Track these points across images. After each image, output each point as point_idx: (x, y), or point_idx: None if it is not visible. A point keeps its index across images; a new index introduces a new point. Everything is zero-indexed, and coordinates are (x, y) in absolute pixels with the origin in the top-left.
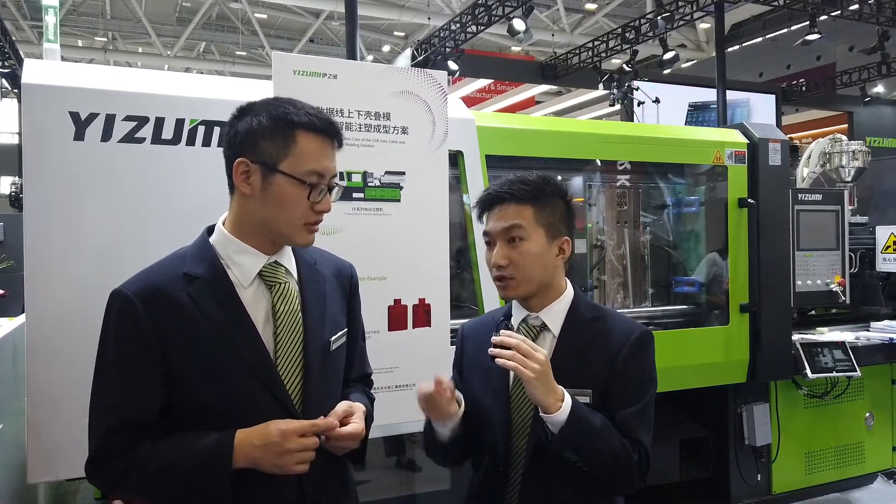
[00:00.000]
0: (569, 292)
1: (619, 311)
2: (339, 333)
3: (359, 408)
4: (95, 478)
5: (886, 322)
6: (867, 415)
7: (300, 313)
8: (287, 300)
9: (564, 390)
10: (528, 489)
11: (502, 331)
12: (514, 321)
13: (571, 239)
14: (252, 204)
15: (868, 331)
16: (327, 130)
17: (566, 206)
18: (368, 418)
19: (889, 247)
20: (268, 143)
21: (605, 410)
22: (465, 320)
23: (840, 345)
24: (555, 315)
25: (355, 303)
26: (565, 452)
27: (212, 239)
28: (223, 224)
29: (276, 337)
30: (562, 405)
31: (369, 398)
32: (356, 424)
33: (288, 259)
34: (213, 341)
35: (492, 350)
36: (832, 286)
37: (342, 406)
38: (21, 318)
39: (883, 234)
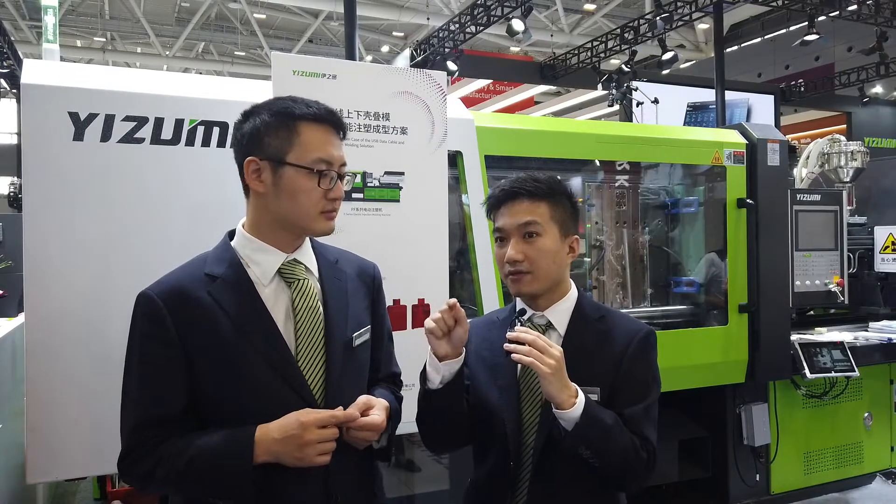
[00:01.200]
0: (573, 292)
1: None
2: (363, 330)
3: (380, 402)
4: (126, 475)
5: (885, 322)
6: (866, 415)
7: (321, 310)
8: (306, 297)
9: (578, 387)
10: (536, 485)
11: (517, 327)
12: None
13: (579, 238)
14: (267, 201)
15: (867, 331)
16: (328, 119)
17: (572, 206)
18: (395, 415)
19: (887, 247)
20: (273, 138)
21: (611, 408)
22: (469, 320)
23: (839, 345)
24: (560, 314)
25: (380, 302)
26: (578, 449)
27: (233, 242)
28: (242, 226)
29: (297, 333)
30: (576, 402)
31: (396, 397)
32: (376, 416)
33: (308, 257)
34: (235, 339)
35: (507, 345)
36: (831, 286)
37: (362, 399)
38: (20, 319)
39: (881, 234)
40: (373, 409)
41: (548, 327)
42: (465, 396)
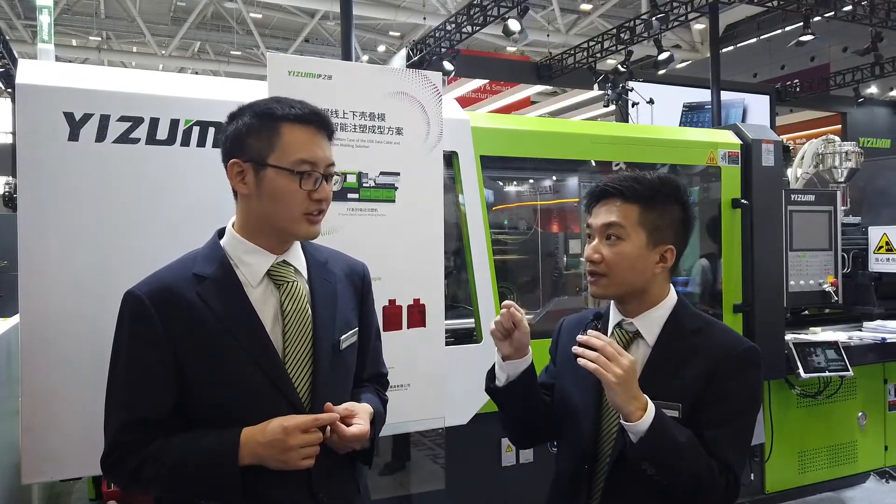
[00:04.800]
0: (670, 300)
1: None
2: (350, 332)
3: (363, 408)
4: (110, 474)
5: (879, 322)
6: (860, 414)
7: (310, 312)
8: (295, 299)
9: (649, 400)
10: (609, 495)
11: (590, 331)
12: (610, 324)
13: (679, 248)
14: (252, 203)
15: (861, 331)
16: (312, 119)
17: (683, 212)
18: (379, 419)
19: (881, 247)
20: (254, 139)
21: (695, 427)
22: (566, 317)
23: (833, 345)
24: (651, 323)
25: (368, 302)
26: (643, 464)
27: (222, 241)
28: (232, 226)
29: (285, 336)
30: (644, 415)
31: (381, 398)
32: (360, 426)
33: (297, 259)
34: (223, 340)
35: (575, 349)
36: (825, 286)
37: (345, 405)
38: (15, 319)
39: (875, 234)
40: (356, 416)
41: (636, 336)
42: (540, 394)
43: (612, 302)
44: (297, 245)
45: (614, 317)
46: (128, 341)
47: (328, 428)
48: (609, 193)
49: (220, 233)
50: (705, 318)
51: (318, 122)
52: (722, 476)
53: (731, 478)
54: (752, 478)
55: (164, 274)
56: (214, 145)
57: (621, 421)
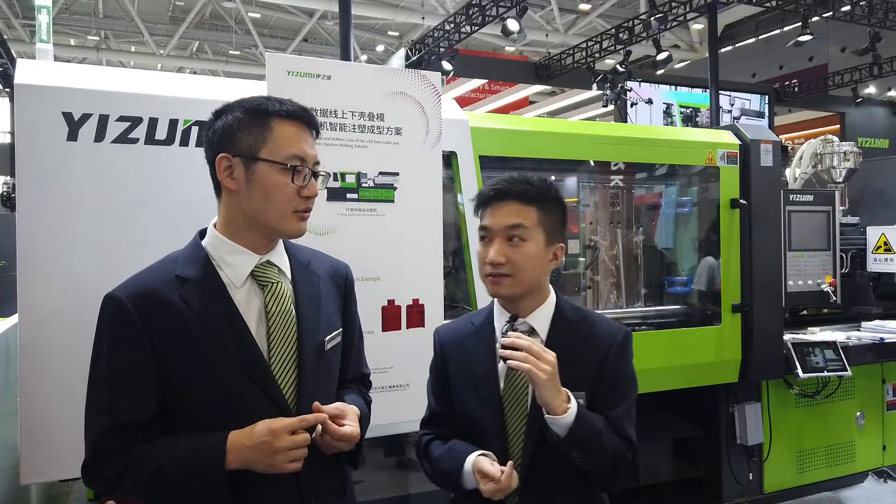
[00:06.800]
0: (552, 296)
1: (601, 311)
2: (334, 333)
3: (352, 410)
4: (92, 481)
5: (877, 322)
6: (858, 414)
7: (294, 313)
8: (279, 300)
9: (569, 392)
10: (526, 494)
11: (510, 333)
12: (497, 325)
13: (565, 246)
14: (239, 198)
15: (859, 330)
16: (301, 117)
17: (562, 213)
18: (364, 420)
19: (880, 247)
20: (245, 134)
21: (594, 411)
22: (438, 326)
23: (831, 345)
24: (542, 319)
25: (351, 303)
26: (572, 453)
27: (204, 241)
28: (214, 226)
29: (270, 337)
30: (569, 407)
31: (365, 400)
32: (351, 427)
33: (281, 259)
34: (206, 342)
35: (502, 351)
36: (823, 286)
37: (335, 406)
38: (14, 319)
39: (874, 234)
40: (346, 418)
41: (531, 333)
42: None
43: (495, 304)
44: (281, 245)
45: (501, 317)
46: (108, 344)
47: (318, 428)
48: (507, 195)
49: (202, 233)
50: (580, 308)
51: (306, 120)
52: (629, 452)
53: (634, 450)
54: (751, 478)
55: (146, 276)
56: None
57: (547, 416)
